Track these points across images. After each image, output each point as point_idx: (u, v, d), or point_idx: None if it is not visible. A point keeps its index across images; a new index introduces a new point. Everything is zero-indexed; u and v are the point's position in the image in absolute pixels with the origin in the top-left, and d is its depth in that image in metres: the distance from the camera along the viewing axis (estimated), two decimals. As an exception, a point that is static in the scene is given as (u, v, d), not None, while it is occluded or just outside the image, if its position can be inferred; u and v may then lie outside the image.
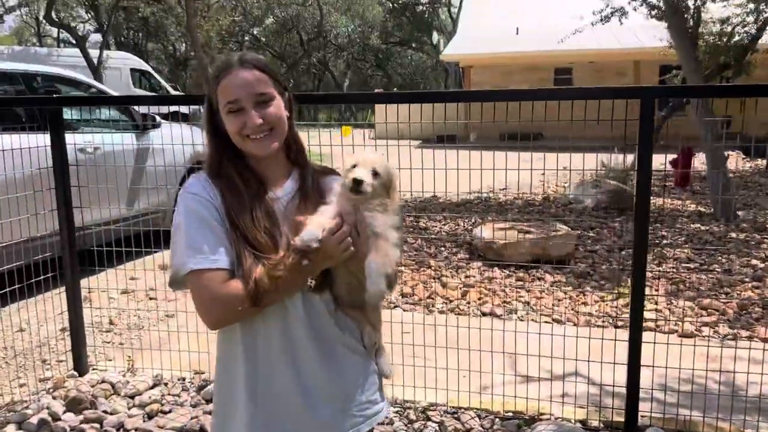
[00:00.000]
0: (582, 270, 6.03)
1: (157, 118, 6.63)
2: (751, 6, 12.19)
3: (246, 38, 42.31)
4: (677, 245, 6.98)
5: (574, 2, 20.14)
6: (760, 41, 12.51)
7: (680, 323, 4.74)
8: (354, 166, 1.75)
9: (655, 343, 3.20)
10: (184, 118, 12.39)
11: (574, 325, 4.74)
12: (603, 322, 4.83)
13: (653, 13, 9.16)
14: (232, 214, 1.69)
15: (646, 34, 17.52)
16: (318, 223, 1.69)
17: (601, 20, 10.66)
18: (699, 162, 12.13)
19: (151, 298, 5.35)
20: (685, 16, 8.32)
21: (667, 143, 12.76)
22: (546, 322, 4.84)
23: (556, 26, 22.98)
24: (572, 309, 5.07)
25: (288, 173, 1.87)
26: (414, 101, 3.38)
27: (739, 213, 8.61)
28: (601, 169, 9.85)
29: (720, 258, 6.49)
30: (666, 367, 3.28)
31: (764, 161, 15.52)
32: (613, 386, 3.33)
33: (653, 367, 3.20)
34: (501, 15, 24.90)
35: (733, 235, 7.49)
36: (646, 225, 3.03)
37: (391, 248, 1.72)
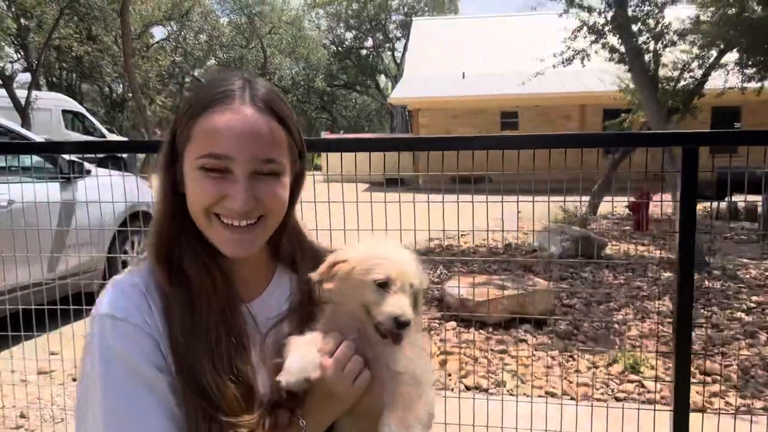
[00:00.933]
0: (565, 329, 5.53)
1: (86, 164, 5.84)
2: (695, 51, 12.41)
3: (187, 80, 41.41)
4: (655, 296, 6.60)
5: (520, 47, 20.45)
6: (705, 86, 12.72)
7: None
8: (384, 286, 1.17)
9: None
10: (120, 165, 11.48)
11: (572, 399, 4.18)
12: (602, 394, 4.29)
13: (614, 56, 9.03)
14: (182, 351, 1.09)
15: (591, 79, 17.79)
16: (308, 347, 1.14)
17: (563, 63, 10.51)
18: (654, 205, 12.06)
19: (74, 379, 4.49)
20: (646, 58, 8.19)
21: (620, 186, 12.69)
22: (539, 396, 4.26)
23: (502, 70, 23.26)
24: (565, 377, 4.52)
25: (270, 274, 1.30)
26: (388, 148, 2.85)
27: (708, 259, 8.38)
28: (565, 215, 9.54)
29: (703, 311, 6.13)
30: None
31: (709, 204, 15.72)
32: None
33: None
34: (446, 59, 25.06)
35: (707, 284, 7.19)
36: (690, 298, 2.52)
37: (422, 398, 1.15)
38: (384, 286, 1.15)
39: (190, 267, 1.16)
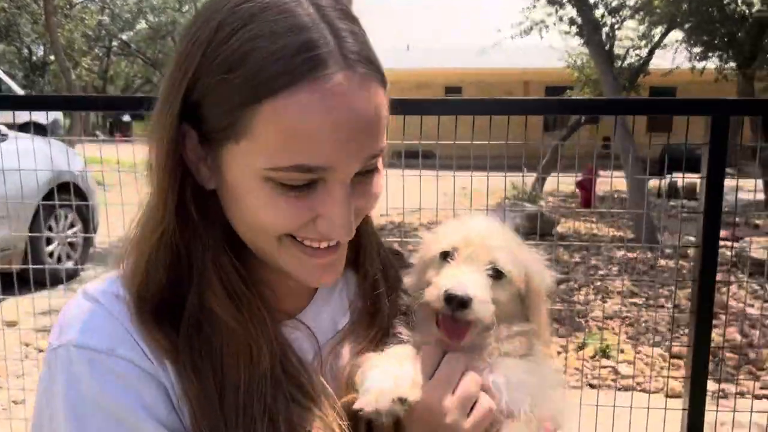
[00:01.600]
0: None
1: (2, 128, 5.14)
2: (642, 29, 12.49)
3: (114, 43, 39.16)
4: (614, 276, 6.52)
5: (470, 19, 20.22)
6: (650, 64, 12.86)
7: (657, 379, 4.12)
8: (447, 256, 0.89)
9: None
10: (41, 131, 10.51)
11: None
12: (576, 381, 4.09)
13: (572, 29, 8.86)
14: (199, 412, 0.77)
15: (535, 56, 17.78)
16: (394, 363, 0.84)
17: (521, 34, 10.30)
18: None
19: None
20: (603, 33, 8.07)
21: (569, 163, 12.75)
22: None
23: (449, 43, 23.01)
24: (536, 364, 4.31)
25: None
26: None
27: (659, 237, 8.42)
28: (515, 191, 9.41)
29: (662, 290, 6.08)
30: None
31: (659, 181, 16.11)
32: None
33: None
34: (391, 29, 24.57)
35: (662, 262, 7.19)
36: (712, 284, 2.29)
37: None
38: (447, 257, 0.88)
39: (219, 304, 0.80)
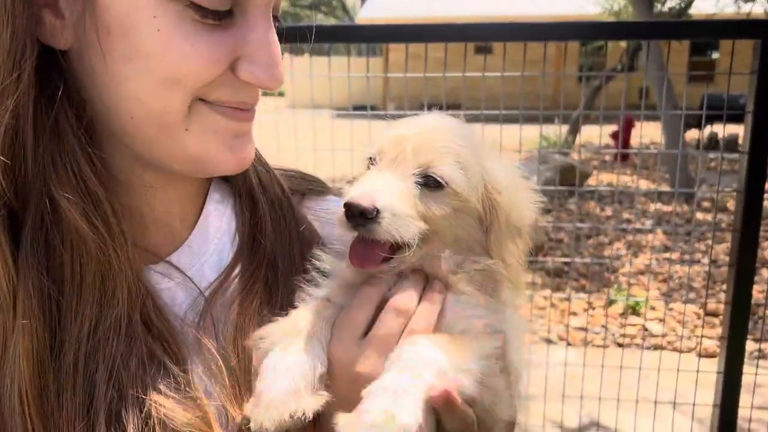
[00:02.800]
0: (556, 267, 5.08)
1: None
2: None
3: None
4: (647, 230, 6.20)
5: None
6: (692, 7, 12.14)
7: (690, 338, 3.87)
8: (371, 161, 0.71)
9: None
10: None
11: (569, 344, 3.76)
12: (603, 339, 3.87)
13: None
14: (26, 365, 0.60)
15: (567, 1, 17.01)
16: (292, 356, 0.64)
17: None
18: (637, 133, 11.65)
19: None
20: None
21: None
22: (533, 343, 3.82)
23: (477, -9, 22.19)
24: (560, 321, 4.09)
25: (201, 199, 0.76)
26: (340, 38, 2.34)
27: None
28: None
29: (698, 245, 5.76)
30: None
31: (698, 132, 15.48)
32: None
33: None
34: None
35: (699, 216, 6.83)
36: (756, 233, 2.04)
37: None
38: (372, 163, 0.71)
39: (68, 206, 0.60)
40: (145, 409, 0.60)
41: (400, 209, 0.64)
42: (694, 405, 2.45)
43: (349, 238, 0.69)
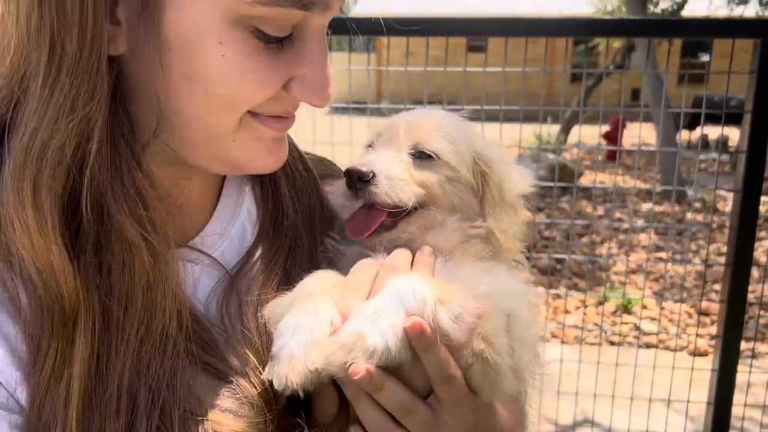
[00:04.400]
0: (548, 265, 5.09)
1: None
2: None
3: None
4: (639, 229, 6.24)
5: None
6: (685, 9, 12.22)
7: (682, 336, 3.90)
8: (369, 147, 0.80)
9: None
10: None
11: (562, 342, 3.77)
12: (596, 337, 3.89)
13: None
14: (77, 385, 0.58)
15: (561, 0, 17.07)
16: (304, 317, 0.63)
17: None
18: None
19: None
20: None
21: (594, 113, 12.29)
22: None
23: (471, -11, 22.22)
24: (554, 319, 4.11)
25: (220, 181, 0.76)
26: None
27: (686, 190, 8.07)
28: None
29: (690, 245, 5.80)
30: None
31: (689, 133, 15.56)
32: None
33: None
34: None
35: (689, 216, 6.87)
36: (752, 231, 2.05)
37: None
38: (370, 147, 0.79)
39: (123, 219, 0.59)
40: (197, 426, 0.59)
41: (395, 172, 0.70)
42: (688, 402, 2.46)
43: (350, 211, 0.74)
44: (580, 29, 2.67)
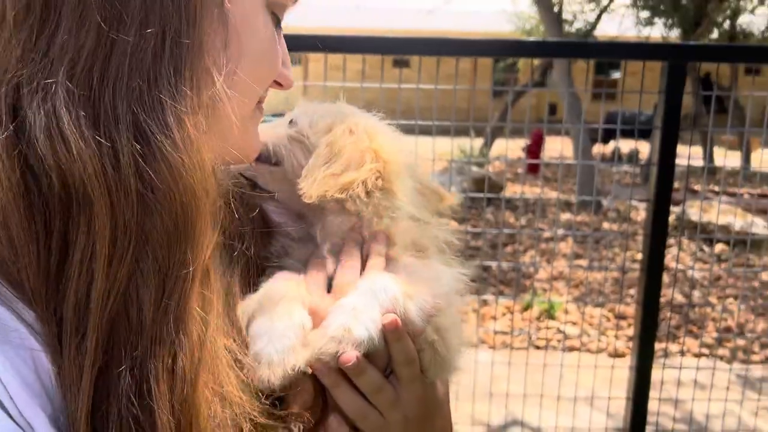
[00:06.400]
0: (475, 273, 5.24)
1: None
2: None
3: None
4: (560, 238, 6.52)
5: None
6: (596, 31, 12.89)
7: (601, 339, 4.11)
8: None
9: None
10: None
11: (490, 347, 3.90)
12: (522, 342, 4.04)
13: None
14: None
15: (485, 19, 17.64)
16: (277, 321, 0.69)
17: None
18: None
19: None
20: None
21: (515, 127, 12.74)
22: (458, 347, 3.94)
23: (396, 4, 22.58)
24: (482, 325, 4.23)
25: None
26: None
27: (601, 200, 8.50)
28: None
29: (606, 252, 6.11)
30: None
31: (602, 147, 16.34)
32: None
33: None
34: (339, -11, 23.91)
35: (606, 225, 7.25)
36: (663, 239, 2.21)
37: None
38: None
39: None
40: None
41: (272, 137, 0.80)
42: (609, 399, 2.61)
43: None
44: (505, 50, 2.80)
